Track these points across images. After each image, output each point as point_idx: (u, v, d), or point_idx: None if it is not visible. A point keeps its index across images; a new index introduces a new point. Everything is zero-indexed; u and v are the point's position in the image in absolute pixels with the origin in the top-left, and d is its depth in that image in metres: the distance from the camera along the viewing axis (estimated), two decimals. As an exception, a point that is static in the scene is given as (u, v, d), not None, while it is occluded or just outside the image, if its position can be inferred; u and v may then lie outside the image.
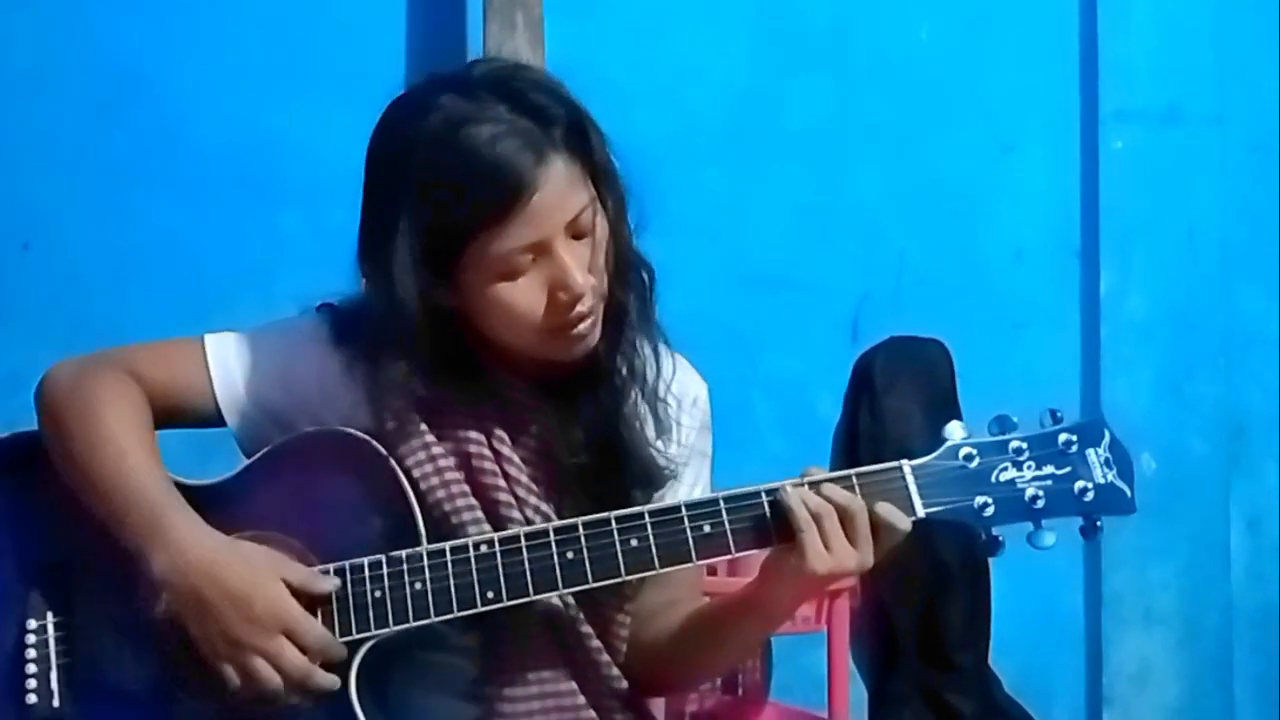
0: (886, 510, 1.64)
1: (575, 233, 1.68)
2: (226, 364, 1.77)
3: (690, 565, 1.67)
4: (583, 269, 1.67)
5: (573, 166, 1.67)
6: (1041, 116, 3.42)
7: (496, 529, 1.70)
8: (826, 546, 1.62)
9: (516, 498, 1.73)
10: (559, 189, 1.65)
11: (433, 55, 3.16)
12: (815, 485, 1.65)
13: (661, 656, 1.79)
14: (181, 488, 1.72)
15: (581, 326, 1.69)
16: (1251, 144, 3.43)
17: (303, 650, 1.62)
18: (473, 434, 1.74)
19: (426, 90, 1.70)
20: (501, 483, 1.73)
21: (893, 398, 3.06)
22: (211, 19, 3.17)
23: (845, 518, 1.63)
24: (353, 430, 1.72)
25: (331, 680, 1.63)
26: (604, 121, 1.73)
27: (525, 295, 1.67)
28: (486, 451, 1.73)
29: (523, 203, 1.63)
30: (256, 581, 1.63)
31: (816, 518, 1.62)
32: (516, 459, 1.74)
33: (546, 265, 1.67)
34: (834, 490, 1.64)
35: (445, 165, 1.64)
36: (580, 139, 1.68)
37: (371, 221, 1.70)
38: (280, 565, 1.65)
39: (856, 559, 1.62)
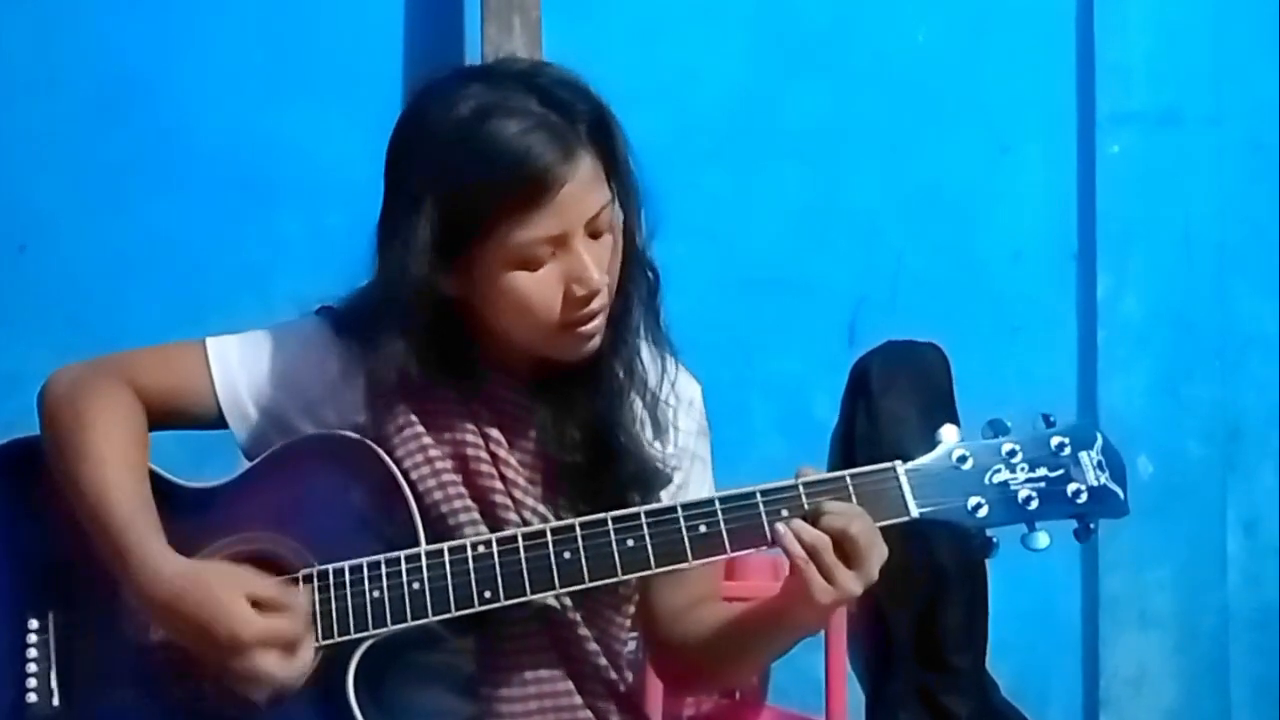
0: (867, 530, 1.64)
1: (593, 230, 1.69)
2: (228, 367, 1.78)
3: (685, 566, 1.67)
4: (599, 266, 1.69)
5: (596, 164, 1.68)
6: (1038, 119, 3.42)
7: (493, 529, 1.70)
8: (828, 579, 1.62)
9: (513, 498, 1.73)
10: (584, 184, 1.67)
11: (430, 58, 3.17)
12: (813, 517, 1.64)
13: (693, 657, 1.80)
14: (181, 490, 1.73)
15: (590, 325, 1.70)
16: (1248, 146, 3.43)
17: (286, 648, 1.61)
18: (469, 435, 1.74)
19: (455, 80, 1.71)
20: (498, 484, 1.73)
21: (890, 401, 3.06)
22: (209, 21, 3.18)
23: (841, 543, 1.63)
24: (352, 433, 1.73)
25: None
26: (602, 123, 1.74)
27: (540, 287, 1.68)
28: (483, 453, 1.74)
29: (551, 195, 1.64)
30: (215, 607, 1.61)
31: (813, 552, 1.62)
32: (513, 460, 1.75)
33: (564, 259, 1.68)
34: (830, 519, 1.63)
35: (474, 152, 1.65)
36: (604, 137, 1.70)
37: (394, 203, 1.70)
38: (245, 583, 1.63)
39: (860, 581, 1.63)
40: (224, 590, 1.61)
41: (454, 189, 1.66)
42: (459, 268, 1.69)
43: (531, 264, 1.67)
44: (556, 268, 1.68)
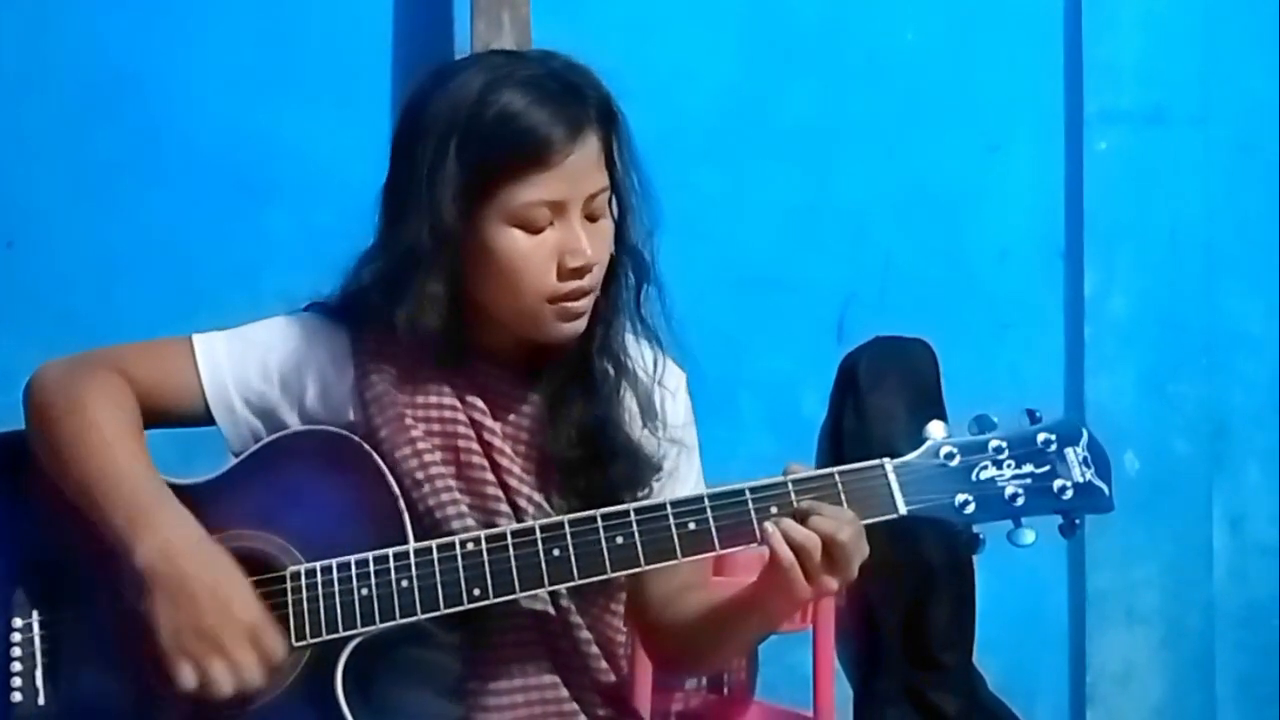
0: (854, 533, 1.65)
1: (590, 213, 1.72)
2: (215, 363, 1.78)
3: (675, 563, 1.68)
4: (592, 246, 1.71)
5: (600, 149, 1.72)
6: (1027, 117, 3.43)
7: (486, 523, 1.71)
8: (809, 580, 1.64)
9: (507, 489, 1.74)
10: (588, 161, 1.71)
11: (420, 55, 3.16)
12: (802, 517, 1.65)
13: (680, 641, 1.83)
14: (168, 486, 1.73)
15: (575, 304, 1.72)
16: (1236, 145, 3.43)
17: (261, 661, 1.62)
18: (461, 428, 1.75)
19: (477, 55, 1.80)
20: (490, 476, 1.74)
21: (878, 397, 3.08)
22: (199, 18, 3.17)
23: (829, 547, 1.64)
24: (339, 429, 1.73)
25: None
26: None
27: (535, 252, 1.70)
28: (475, 444, 1.75)
29: (557, 159, 1.68)
30: (239, 581, 1.63)
31: (799, 552, 1.63)
32: (508, 449, 1.75)
33: (561, 229, 1.70)
34: (820, 522, 1.64)
35: (491, 111, 1.69)
36: (610, 126, 1.74)
37: (415, 157, 1.71)
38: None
39: (839, 580, 1.65)
40: (246, 575, 1.64)
41: (471, 148, 1.68)
42: (471, 227, 1.70)
43: (530, 225, 1.70)
44: (553, 237, 1.70)
